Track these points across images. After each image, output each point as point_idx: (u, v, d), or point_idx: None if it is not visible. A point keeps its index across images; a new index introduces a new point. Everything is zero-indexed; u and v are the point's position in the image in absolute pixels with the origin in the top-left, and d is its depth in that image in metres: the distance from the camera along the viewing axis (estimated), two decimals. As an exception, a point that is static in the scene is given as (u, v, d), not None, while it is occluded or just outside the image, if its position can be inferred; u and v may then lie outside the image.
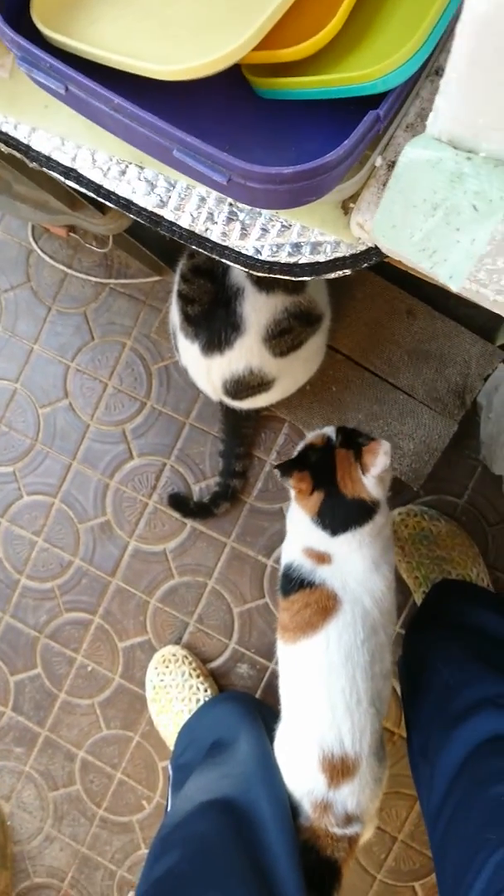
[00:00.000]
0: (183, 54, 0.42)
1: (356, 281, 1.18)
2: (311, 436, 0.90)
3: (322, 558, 0.83)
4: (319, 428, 0.91)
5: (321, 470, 0.83)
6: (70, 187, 0.56)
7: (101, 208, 0.92)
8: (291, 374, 1.06)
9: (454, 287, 0.30)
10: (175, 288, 0.97)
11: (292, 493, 0.86)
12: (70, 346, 1.32)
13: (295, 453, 0.89)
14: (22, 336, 1.34)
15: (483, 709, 0.81)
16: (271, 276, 0.53)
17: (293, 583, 0.84)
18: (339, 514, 0.82)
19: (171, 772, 1.10)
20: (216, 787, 0.88)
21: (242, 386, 1.00)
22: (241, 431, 1.22)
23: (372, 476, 0.81)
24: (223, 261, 0.53)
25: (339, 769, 0.80)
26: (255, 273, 0.53)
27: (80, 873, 1.36)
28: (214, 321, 0.92)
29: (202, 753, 1.05)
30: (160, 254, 1.18)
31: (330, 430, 0.88)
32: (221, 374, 0.98)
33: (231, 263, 0.53)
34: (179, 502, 1.25)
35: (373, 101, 0.43)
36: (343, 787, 0.80)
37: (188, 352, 0.98)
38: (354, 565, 0.83)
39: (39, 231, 1.31)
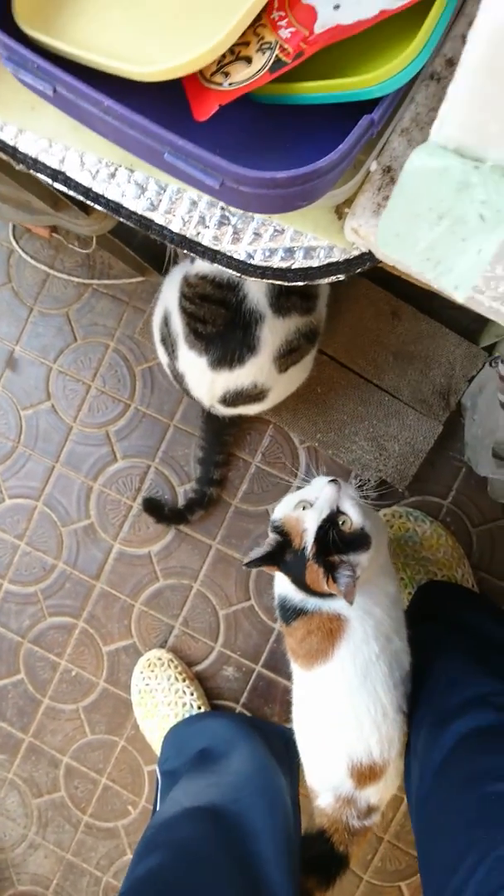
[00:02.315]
0: (162, 52, 0.41)
1: (341, 282, 1.17)
2: (289, 518, 0.82)
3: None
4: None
5: (294, 567, 0.80)
6: (57, 189, 0.54)
7: (86, 209, 0.91)
8: (286, 385, 1.07)
9: (460, 298, 0.30)
10: (175, 304, 0.96)
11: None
12: (52, 348, 1.31)
13: (268, 536, 0.83)
14: (3, 337, 1.31)
15: (474, 706, 0.81)
16: (263, 280, 0.52)
17: (290, 612, 0.84)
18: (317, 594, 0.80)
19: (158, 776, 1.09)
20: (204, 794, 0.87)
21: (241, 397, 1.00)
22: (222, 439, 1.21)
23: (340, 597, 0.78)
24: (215, 264, 0.53)
25: (366, 775, 0.81)
26: (246, 276, 0.52)
27: (64, 880, 1.35)
28: (230, 341, 0.93)
29: (190, 759, 1.05)
30: (144, 255, 1.17)
31: (310, 524, 0.79)
32: (226, 386, 0.99)
33: (223, 267, 0.52)
34: (154, 508, 1.24)
35: (367, 105, 0.42)
36: (369, 788, 0.81)
37: (192, 363, 0.98)
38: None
39: (21, 231, 1.29)
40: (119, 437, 1.30)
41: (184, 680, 1.26)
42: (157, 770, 1.11)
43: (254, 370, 0.95)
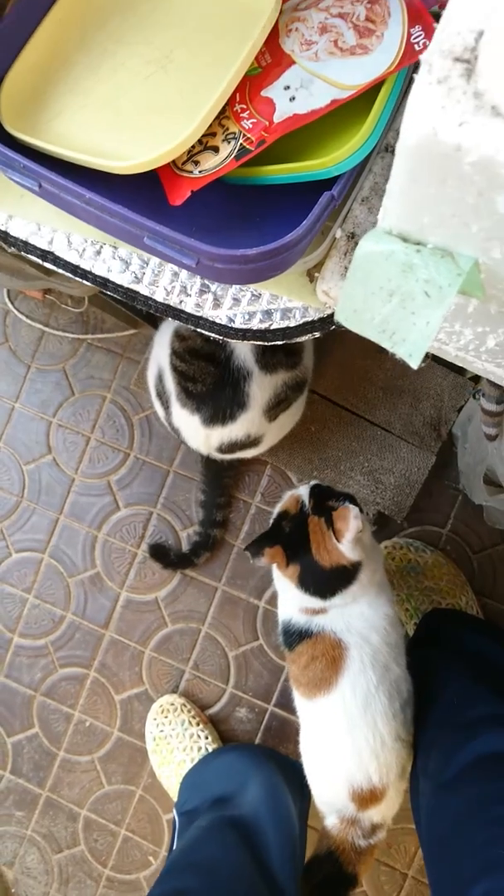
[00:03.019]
0: (136, 147, 0.44)
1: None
2: (284, 499, 0.91)
3: (317, 611, 0.84)
4: (295, 482, 0.93)
5: (296, 540, 0.83)
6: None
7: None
8: (279, 429, 1.10)
9: (413, 365, 0.32)
10: (167, 362, 1.00)
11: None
12: (51, 402, 1.34)
13: (269, 522, 0.89)
14: (2, 395, 1.35)
15: (488, 726, 0.82)
16: (245, 341, 0.55)
17: (293, 636, 0.85)
18: (321, 582, 0.82)
19: (176, 818, 1.10)
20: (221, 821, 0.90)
21: (236, 446, 1.04)
22: (222, 482, 1.24)
23: (347, 542, 0.81)
24: (199, 330, 0.56)
25: (367, 798, 0.83)
26: (229, 340, 0.56)
27: (89, 937, 1.33)
28: (220, 399, 0.96)
29: (208, 801, 1.05)
30: (135, 309, 1.21)
31: (303, 491, 0.88)
32: (220, 440, 1.02)
33: (207, 332, 0.56)
34: (160, 553, 1.26)
35: (328, 181, 0.46)
36: (371, 809, 0.83)
37: (186, 420, 1.01)
38: (354, 607, 0.84)
39: (15, 292, 1.33)
40: (120, 486, 1.32)
41: (198, 724, 1.26)
42: (175, 812, 1.11)
43: (246, 424, 0.98)
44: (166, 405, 1.03)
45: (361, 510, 0.83)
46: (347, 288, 0.32)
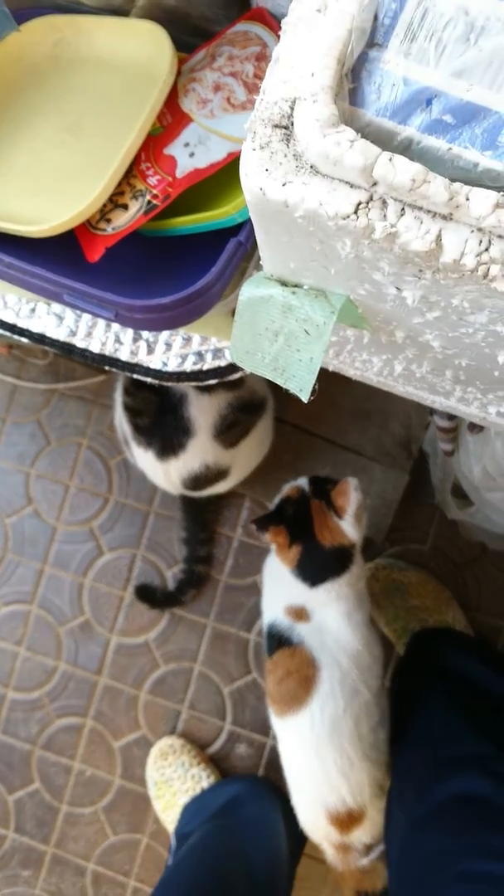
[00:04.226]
0: (52, 210, 0.47)
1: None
2: (285, 488, 0.93)
3: (300, 614, 0.85)
4: (293, 481, 0.95)
5: (298, 522, 0.86)
6: (-13, 329, 0.60)
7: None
8: (245, 459, 1.10)
9: (304, 398, 0.34)
10: (119, 399, 1.02)
11: (272, 546, 0.89)
12: (28, 454, 1.36)
13: (272, 507, 0.92)
14: (-21, 452, 1.37)
15: (468, 768, 0.82)
16: (181, 384, 0.57)
17: (274, 640, 0.86)
18: (318, 564, 0.85)
19: (173, 842, 1.10)
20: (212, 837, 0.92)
21: (201, 480, 1.04)
22: (202, 518, 1.25)
23: (349, 516, 0.84)
24: (136, 376, 0.58)
25: (346, 820, 0.84)
26: (166, 383, 0.57)
27: None
28: (165, 428, 0.97)
29: (203, 821, 1.07)
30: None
31: (303, 482, 0.91)
32: (179, 473, 1.02)
33: (142, 377, 0.57)
34: (147, 594, 1.27)
35: (235, 230, 0.48)
36: (355, 831, 0.84)
37: (144, 458, 1.03)
38: (330, 622, 0.85)
39: (-16, 350, 1.36)
40: (103, 531, 1.33)
41: (199, 764, 1.25)
42: (172, 836, 1.12)
43: (198, 452, 0.98)
44: (128, 447, 1.04)
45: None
46: (237, 331, 0.34)
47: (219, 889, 0.81)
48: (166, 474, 1.02)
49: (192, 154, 0.46)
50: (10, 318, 0.59)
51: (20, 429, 1.36)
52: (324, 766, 0.81)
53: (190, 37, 0.51)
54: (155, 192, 0.46)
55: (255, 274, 0.34)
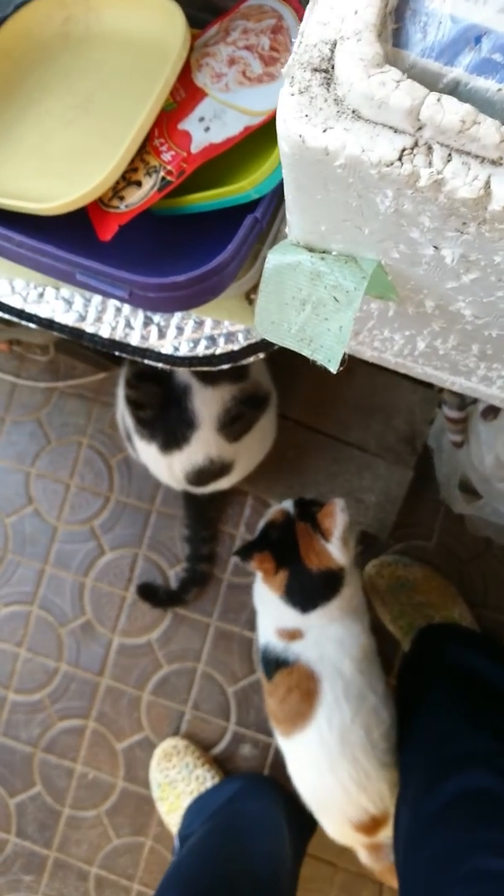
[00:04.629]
0: (63, 188, 0.46)
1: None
2: (270, 513, 0.92)
3: (293, 635, 0.84)
4: (278, 504, 0.93)
5: (284, 547, 0.84)
6: None
7: (36, 322, 0.96)
8: (249, 453, 1.09)
9: (332, 369, 0.33)
10: (121, 393, 1.00)
11: (258, 573, 0.87)
12: (28, 453, 1.34)
13: (256, 533, 0.90)
14: (-21, 451, 1.35)
15: (472, 764, 0.80)
16: (192, 369, 0.56)
17: (271, 664, 0.85)
18: (307, 589, 0.83)
19: (176, 843, 1.09)
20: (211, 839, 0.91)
21: (204, 474, 1.03)
22: (205, 515, 1.24)
23: (336, 539, 0.82)
24: (146, 361, 0.57)
25: (371, 826, 0.82)
26: (177, 368, 0.56)
27: None
28: (168, 421, 0.96)
29: (205, 820, 1.06)
30: (101, 352, 1.22)
31: (288, 505, 0.90)
32: (182, 467, 1.01)
33: (153, 363, 0.56)
34: (149, 593, 1.25)
35: (252, 207, 0.47)
36: (382, 831, 0.83)
37: (146, 452, 1.01)
38: (327, 633, 0.83)
39: (-17, 348, 1.35)
40: (104, 530, 1.32)
41: (203, 765, 1.24)
42: (176, 838, 1.11)
43: (201, 445, 0.97)
44: (131, 442, 1.03)
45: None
46: (262, 301, 0.33)
47: (221, 888, 0.80)
48: (170, 468, 1.01)
49: (207, 129, 0.45)
50: (17, 304, 0.57)
51: (20, 427, 1.35)
52: (340, 781, 0.79)
53: (200, 12, 0.50)
54: (169, 167, 0.45)
55: (281, 241, 0.33)
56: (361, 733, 0.79)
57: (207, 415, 0.96)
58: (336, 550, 0.82)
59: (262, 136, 0.46)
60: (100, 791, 1.29)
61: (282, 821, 1.02)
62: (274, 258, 0.32)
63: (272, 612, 0.85)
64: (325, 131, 0.24)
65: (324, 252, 0.31)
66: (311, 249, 0.32)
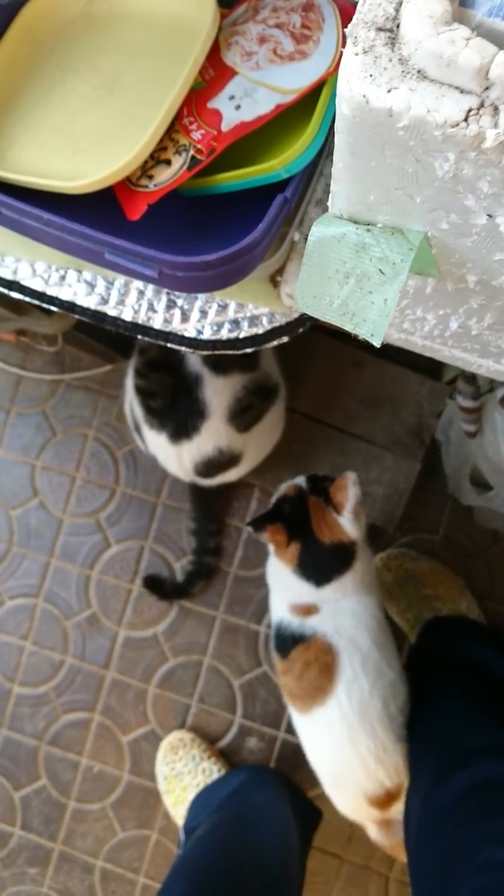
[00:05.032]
0: (90, 167, 0.45)
1: (300, 342, 1.22)
2: (283, 487, 0.92)
3: (308, 610, 0.84)
4: (290, 480, 0.93)
5: (296, 520, 0.84)
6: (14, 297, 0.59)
7: (47, 310, 0.95)
8: (258, 445, 1.09)
9: (376, 343, 0.33)
10: (131, 383, 1.00)
11: (271, 548, 0.87)
12: (33, 445, 1.34)
13: (269, 506, 0.90)
14: (-16, 443, 1.35)
15: (484, 756, 0.81)
16: (215, 353, 0.56)
17: (287, 641, 0.84)
18: (320, 562, 0.83)
19: (182, 836, 1.09)
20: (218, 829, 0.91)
21: (213, 465, 1.03)
22: (212, 508, 1.23)
23: (347, 512, 0.82)
24: (169, 345, 0.56)
25: (385, 800, 0.83)
26: (200, 352, 0.56)
27: None
28: (179, 410, 0.95)
29: (211, 812, 1.06)
30: (109, 343, 1.22)
31: (301, 480, 0.90)
32: (192, 458, 1.01)
33: (176, 346, 0.56)
34: (155, 585, 1.25)
35: (281, 187, 0.47)
36: (395, 805, 0.83)
37: (156, 442, 1.01)
38: (342, 607, 0.84)
39: (-11, 340, 1.34)
40: (110, 523, 1.31)
41: (209, 758, 1.23)
42: (181, 831, 1.11)
43: (212, 435, 0.97)
44: (140, 433, 1.03)
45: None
46: (304, 275, 0.33)
47: (229, 879, 0.80)
48: (179, 458, 1.01)
49: (238, 107, 0.45)
50: (38, 286, 0.57)
51: (25, 420, 1.34)
52: (358, 754, 0.79)
53: (228, -7, 0.50)
54: (199, 146, 0.45)
55: (324, 215, 0.33)
56: (379, 706, 0.80)
57: (218, 404, 0.96)
58: (348, 524, 0.82)
59: (293, 114, 0.46)
60: (105, 784, 1.29)
61: (288, 811, 1.02)
62: (318, 230, 0.32)
63: (286, 588, 0.85)
64: (389, 91, 0.23)
65: (369, 224, 0.31)
66: (355, 222, 0.31)
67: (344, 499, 0.82)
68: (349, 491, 0.82)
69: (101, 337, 1.18)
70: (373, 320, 0.31)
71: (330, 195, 0.33)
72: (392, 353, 1.24)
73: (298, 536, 0.83)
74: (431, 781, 0.81)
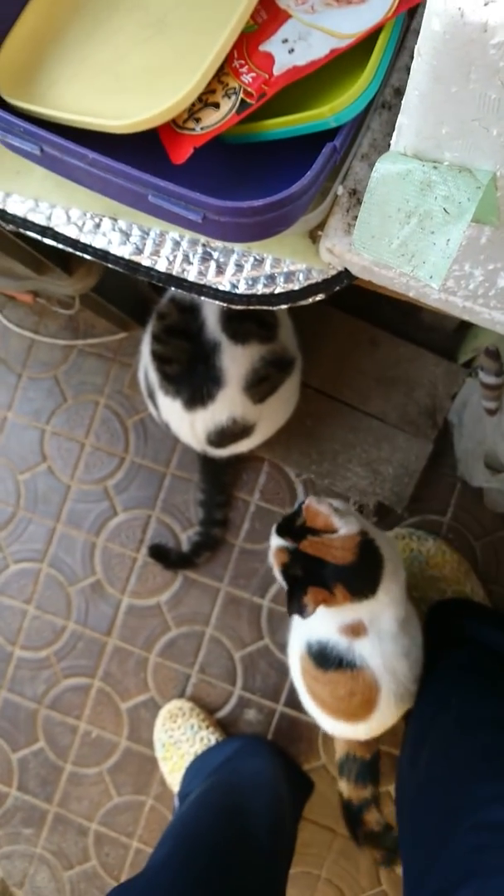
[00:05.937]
0: (136, 107, 0.45)
1: (317, 317, 1.22)
2: (272, 561, 0.87)
3: (357, 630, 0.83)
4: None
5: (315, 572, 0.81)
6: (45, 245, 0.58)
7: (68, 269, 0.94)
8: (271, 417, 1.09)
9: (435, 285, 0.32)
10: (148, 349, 0.99)
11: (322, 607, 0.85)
12: (44, 410, 1.33)
13: (284, 586, 0.84)
14: (-5, 405, 1.34)
15: (484, 731, 0.81)
16: (249, 308, 0.55)
17: (331, 660, 0.85)
18: (361, 579, 0.81)
19: (176, 803, 1.10)
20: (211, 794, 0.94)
21: (226, 435, 1.02)
22: (221, 480, 1.23)
23: (337, 524, 0.80)
24: (203, 298, 0.56)
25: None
26: (234, 307, 0.55)
27: None
28: (195, 377, 0.95)
29: (204, 778, 1.07)
30: (126, 308, 1.21)
31: (277, 542, 0.85)
32: (205, 426, 1.00)
33: (209, 300, 0.55)
34: (161, 554, 1.25)
35: (329, 135, 0.46)
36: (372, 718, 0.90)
37: (170, 408, 1.01)
38: (386, 628, 0.84)
39: (3, 301, 1.33)
40: (118, 491, 1.31)
41: (207, 727, 1.24)
42: (175, 798, 1.12)
43: (226, 403, 0.96)
44: (154, 400, 1.02)
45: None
46: (364, 214, 0.32)
47: (220, 842, 0.81)
48: (192, 426, 1.00)
49: (291, 51, 0.44)
50: (72, 233, 0.56)
51: (37, 384, 1.33)
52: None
53: None
54: (249, 90, 0.44)
55: (388, 152, 0.32)
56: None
57: (235, 373, 0.96)
58: (345, 527, 0.80)
59: (345, 61, 0.45)
60: (102, 749, 1.29)
61: (280, 779, 1.03)
62: (382, 167, 0.31)
63: (336, 612, 0.83)
64: (486, 4, 0.23)
65: (435, 161, 0.30)
66: (420, 159, 0.31)
67: (325, 519, 0.79)
68: (321, 509, 0.79)
69: (118, 301, 1.17)
70: (433, 262, 0.31)
71: (395, 130, 0.32)
72: (410, 333, 1.23)
73: (331, 580, 0.80)
74: (429, 755, 0.82)
